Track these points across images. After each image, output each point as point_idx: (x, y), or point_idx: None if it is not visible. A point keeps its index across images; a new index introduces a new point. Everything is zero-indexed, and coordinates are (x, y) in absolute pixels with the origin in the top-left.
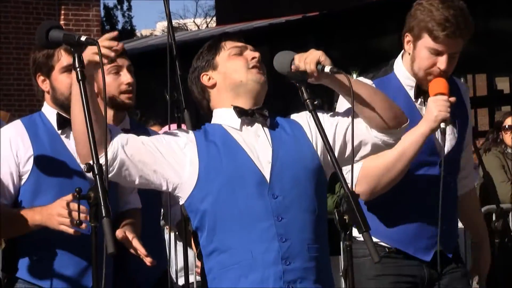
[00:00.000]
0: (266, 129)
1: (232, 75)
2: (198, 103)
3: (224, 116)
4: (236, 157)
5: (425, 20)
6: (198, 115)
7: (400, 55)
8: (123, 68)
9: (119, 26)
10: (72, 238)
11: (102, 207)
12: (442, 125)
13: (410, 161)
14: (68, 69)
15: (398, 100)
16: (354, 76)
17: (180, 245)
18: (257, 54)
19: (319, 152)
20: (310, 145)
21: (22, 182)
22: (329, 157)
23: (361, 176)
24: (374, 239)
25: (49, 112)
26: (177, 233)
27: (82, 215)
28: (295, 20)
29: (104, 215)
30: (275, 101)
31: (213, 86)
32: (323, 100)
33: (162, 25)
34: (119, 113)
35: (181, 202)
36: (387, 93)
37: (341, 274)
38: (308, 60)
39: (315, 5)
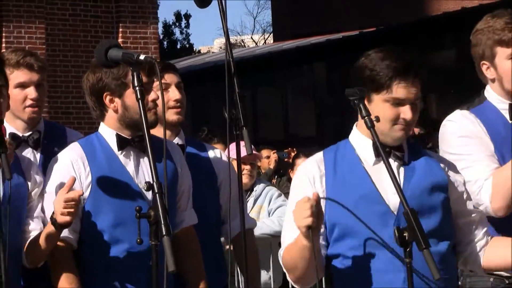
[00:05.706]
0: (401, 169)
1: (383, 120)
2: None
3: (360, 143)
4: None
5: (490, 36)
6: (255, 134)
7: (487, 87)
8: (171, 85)
9: (178, 43)
10: (133, 258)
11: (162, 225)
12: None
13: None
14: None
15: (496, 124)
16: None
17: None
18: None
19: None
20: None
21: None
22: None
23: (494, 192)
24: None
25: (108, 133)
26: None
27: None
28: (352, 35)
29: (164, 233)
30: (333, 117)
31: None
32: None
33: (219, 41)
34: (169, 129)
35: None
36: (485, 118)
37: None
38: None
39: (372, 20)
